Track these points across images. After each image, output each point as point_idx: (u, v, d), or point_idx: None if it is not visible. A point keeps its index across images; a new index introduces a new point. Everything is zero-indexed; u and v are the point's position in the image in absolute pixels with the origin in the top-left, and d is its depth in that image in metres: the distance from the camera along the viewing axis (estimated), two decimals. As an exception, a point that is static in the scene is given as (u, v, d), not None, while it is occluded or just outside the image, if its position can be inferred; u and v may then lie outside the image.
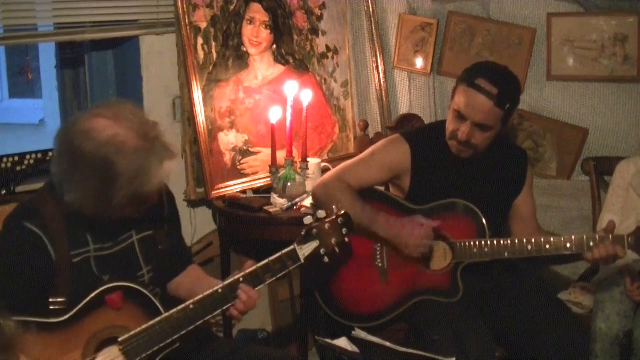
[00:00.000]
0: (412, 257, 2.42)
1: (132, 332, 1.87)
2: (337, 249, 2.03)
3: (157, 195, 1.95)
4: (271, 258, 1.98)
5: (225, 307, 1.95)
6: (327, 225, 2.02)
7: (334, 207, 2.07)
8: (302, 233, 2.01)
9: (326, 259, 2.03)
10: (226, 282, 1.96)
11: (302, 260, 2.00)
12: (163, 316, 1.90)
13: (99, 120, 1.83)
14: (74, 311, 1.86)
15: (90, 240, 1.93)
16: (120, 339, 1.87)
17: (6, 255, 1.87)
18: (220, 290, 1.94)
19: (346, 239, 2.05)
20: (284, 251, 1.99)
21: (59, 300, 1.87)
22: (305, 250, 2.00)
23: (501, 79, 2.38)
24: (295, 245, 2.00)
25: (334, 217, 2.03)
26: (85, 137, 1.81)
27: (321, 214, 2.03)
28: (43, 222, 1.87)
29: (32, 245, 1.86)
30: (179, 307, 1.91)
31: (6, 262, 1.86)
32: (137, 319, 1.90)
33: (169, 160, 1.88)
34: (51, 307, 1.87)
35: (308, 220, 2.03)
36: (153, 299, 1.93)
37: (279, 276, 2.00)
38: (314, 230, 2.01)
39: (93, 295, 1.87)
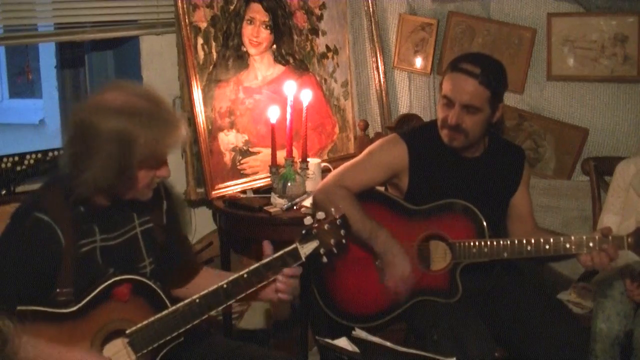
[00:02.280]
0: (411, 256, 2.43)
1: (139, 325, 1.90)
2: (335, 250, 2.07)
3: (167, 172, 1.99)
4: (274, 255, 2.02)
5: (228, 303, 1.98)
6: (326, 226, 2.05)
7: (332, 208, 2.10)
8: (303, 232, 2.05)
9: (324, 259, 2.07)
10: (231, 278, 1.99)
11: (303, 259, 2.03)
12: (170, 309, 1.93)
13: (106, 95, 1.88)
14: (84, 302, 1.87)
15: (97, 230, 1.94)
16: (127, 332, 1.89)
17: (18, 245, 1.87)
18: (225, 285, 1.97)
19: (344, 240, 2.08)
20: (286, 249, 2.03)
21: (65, 290, 1.88)
22: (306, 249, 2.04)
23: (483, 60, 2.45)
24: (297, 244, 2.04)
25: (333, 219, 2.07)
26: (97, 112, 1.84)
27: (320, 215, 2.07)
28: (53, 212, 1.87)
29: (43, 234, 1.86)
30: (185, 301, 1.94)
31: (19, 252, 1.86)
32: (143, 311, 1.92)
33: (178, 122, 1.92)
34: (58, 298, 1.87)
35: (308, 220, 2.06)
36: (160, 292, 1.96)
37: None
38: (314, 230, 2.04)
39: (102, 286, 1.89)
